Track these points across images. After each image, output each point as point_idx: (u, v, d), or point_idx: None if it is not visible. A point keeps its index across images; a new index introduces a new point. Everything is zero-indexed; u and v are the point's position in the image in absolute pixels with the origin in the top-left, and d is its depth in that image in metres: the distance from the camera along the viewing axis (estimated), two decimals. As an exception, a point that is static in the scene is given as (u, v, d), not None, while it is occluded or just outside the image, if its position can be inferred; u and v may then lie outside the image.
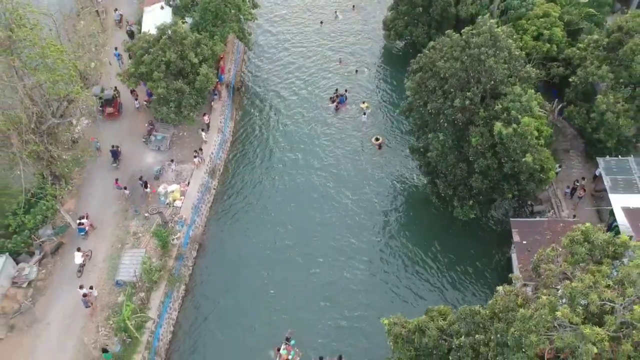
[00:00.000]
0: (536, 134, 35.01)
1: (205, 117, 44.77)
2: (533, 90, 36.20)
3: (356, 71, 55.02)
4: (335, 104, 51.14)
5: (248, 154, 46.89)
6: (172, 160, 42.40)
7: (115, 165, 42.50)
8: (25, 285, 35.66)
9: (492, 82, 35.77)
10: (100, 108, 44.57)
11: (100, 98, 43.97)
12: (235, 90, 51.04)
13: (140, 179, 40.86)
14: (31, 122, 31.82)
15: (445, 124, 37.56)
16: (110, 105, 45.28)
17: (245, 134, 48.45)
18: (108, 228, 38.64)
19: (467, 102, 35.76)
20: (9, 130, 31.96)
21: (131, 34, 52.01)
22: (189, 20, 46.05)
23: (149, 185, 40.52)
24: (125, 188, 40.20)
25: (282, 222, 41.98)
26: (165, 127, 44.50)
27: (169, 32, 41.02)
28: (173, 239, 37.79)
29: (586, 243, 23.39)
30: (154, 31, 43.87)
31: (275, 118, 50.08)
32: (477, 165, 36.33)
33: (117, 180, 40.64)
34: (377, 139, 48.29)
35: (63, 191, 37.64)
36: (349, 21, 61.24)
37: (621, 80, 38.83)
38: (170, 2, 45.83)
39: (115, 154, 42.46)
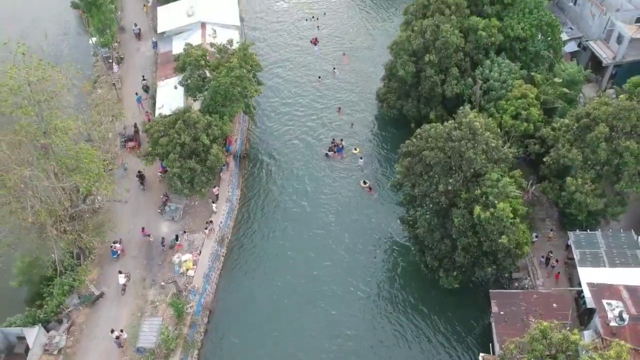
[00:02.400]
0: (512, 215, 39.44)
1: (215, 189, 49.28)
2: (508, 178, 40.76)
3: (352, 125, 59.81)
4: (332, 152, 56.46)
5: (254, 218, 51.24)
6: (184, 231, 46.78)
7: (142, 187, 50.07)
8: (56, 352, 39.83)
9: (472, 170, 40.33)
10: (123, 143, 52.99)
11: (124, 136, 53.20)
12: (241, 159, 55.50)
13: (162, 241, 46.06)
14: (67, 216, 36.27)
15: (431, 205, 42.09)
16: (131, 140, 53.54)
17: (251, 200, 52.83)
18: (129, 297, 42.93)
19: (450, 187, 40.31)
20: (45, 219, 36.37)
21: (146, 89, 58.33)
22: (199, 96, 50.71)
23: (179, 238, 46.20)
24: (149, 235, 46.28)
25: (286, 284, 46.29)
26: (178, 198, 48.91)
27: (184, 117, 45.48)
28: (187, 308, 42.03)
29: (544, 340, 27.72)
30: (167, 108, 48.71)
31: (278, 176, 54.73)
32: (460, 243, 40.77)
33: (143, 228, 46.49)
34: (365, 182, 53.60)
35: (89, 270, 42.18)
36: (346, 77, 66.06)
37: (589, 162, 43.34)
38: (183, 83, 50.18)
39: (141, 178, 50.10)
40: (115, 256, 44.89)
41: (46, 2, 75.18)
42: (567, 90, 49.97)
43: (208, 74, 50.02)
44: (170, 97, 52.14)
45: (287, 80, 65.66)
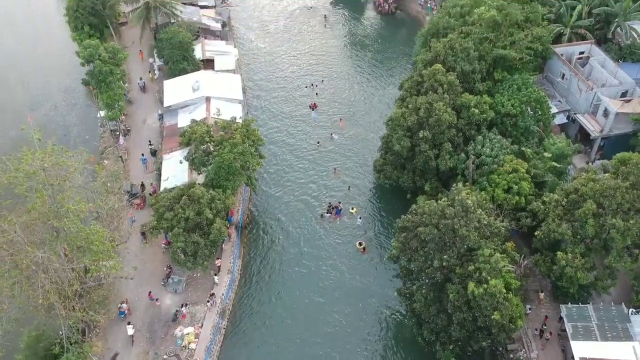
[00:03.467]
0: (504, 291, 40.74)
1: (217, 261, 50.71)
2: (499, 254, 42.23)
3: (349, 188, 61.85)
4: (329, 214, 58.70)
5: (254, 288, 52.33)
6: (185, 304, 47.94)
7: (145, 242, 52.87)
8: None
9: (466, 246, 41.94)
10: (129, 200, 56.05)
11: (130, 192, 56.58)
12: (243, 228, 57.07)
13: (175, 315, 47.34)
14: (76, 295, 37.63)
15: (427, 280, 43.53)
16: (137, 198, 56.89)
17: (252, 269, 54.03)
18: (132, 370, 43.87)
19: (445, 263, 41.84)
20: (54, 300, 37.66)
21: (153, 152, 61.47)
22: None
23: (183, 308, 47.79)
24: (157, 300, 48.24)
25: (285, 355, 47.20)
26: (181, 270, 50.23)
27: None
28: (189, 382, 42.93)
29: None
30: (172, 181, 50.67)
31: (278, 243, 56.27)
32: (455, 318, 41.97)
33: (150, 292, 48.37)
34: (360, 244, 55.06)
35: (94, 344, 43.25)
36: (344, 142, 68.58)
37: (578, 236, 44.94)
38: (188, 158, 52.19)
39: (144, 234, 52.77)
40: (122, 315, 46.91)
41: (56, 75, 78.35)
42: (556, 164, 51.95)
43: (212, 148, 52.06)
44: (175, 170, 54.20)
45: (287, 144, 68.14)
